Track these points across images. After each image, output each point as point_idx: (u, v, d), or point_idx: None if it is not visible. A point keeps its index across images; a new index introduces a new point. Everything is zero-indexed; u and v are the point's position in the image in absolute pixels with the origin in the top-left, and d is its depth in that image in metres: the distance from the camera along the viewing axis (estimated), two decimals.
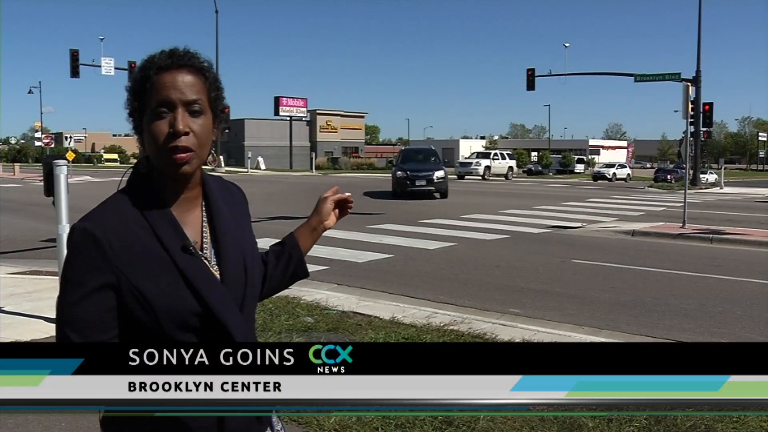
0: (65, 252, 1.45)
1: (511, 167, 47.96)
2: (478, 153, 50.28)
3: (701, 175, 39.97)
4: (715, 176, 43.89)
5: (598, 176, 51.05)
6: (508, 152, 50.75)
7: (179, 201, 1.48)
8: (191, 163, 1.42)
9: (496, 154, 47.81)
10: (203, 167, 1.52)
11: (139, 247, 1.40)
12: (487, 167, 44.33)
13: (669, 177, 44.77)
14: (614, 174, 50.79)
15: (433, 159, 25.97)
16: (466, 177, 43.21)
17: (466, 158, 48.90)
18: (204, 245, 1.49)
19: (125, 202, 1.45)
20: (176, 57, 1.44)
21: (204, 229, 1.51)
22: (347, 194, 1.84)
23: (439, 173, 23.90)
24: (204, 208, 1.53)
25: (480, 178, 43.15)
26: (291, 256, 1.76)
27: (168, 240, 1.42)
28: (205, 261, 1.46)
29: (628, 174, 53.16)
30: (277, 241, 1.81)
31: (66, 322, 1.39)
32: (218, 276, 1.47)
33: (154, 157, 1.43)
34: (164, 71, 1.42)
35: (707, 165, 60.75)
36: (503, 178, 45.21)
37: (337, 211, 1.84)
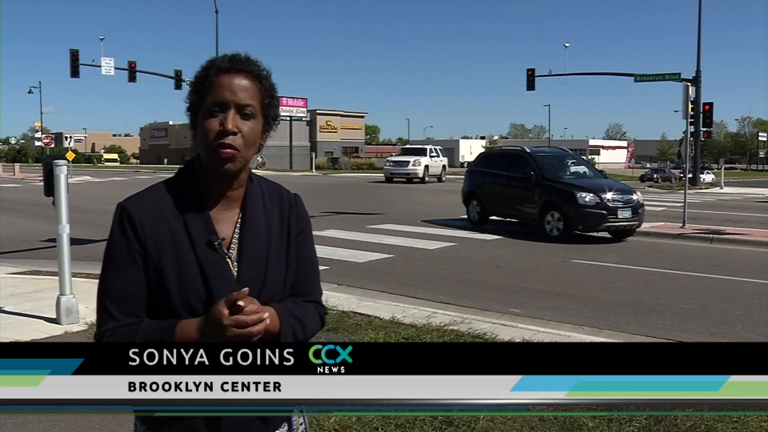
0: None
1: (444, 166, 38.81)
2: (411, 149, 40.17)
3: (699, 175, 39.85)
4: (712, 176, 43.87)
5: None
6: (439, 148, 40.27)
7: (220, 198, 1.57)
8: (235, 161, 1.50)
9: (432, 151, 38.08)
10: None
11: (166, 232, 1.50)
12: (427, 167, 35.79)
13: (655, 176, 44.37)
14: None
15: (589, 170, 15.20)
16: (396, 180, 35.26)
17: (397, 156, 38.73)
18: (232, 243, 1.56)
19: (167, 190, 1.56)
20: (236, 61, 1.54)
21: (236, 229, 1.57)
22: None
23: (640, 196, 13.92)
24: (241, 209, 1.59)
25: (419, 180, 34.97)
26: None
27: (195, 232, 1.51)
28: (228, 258, 1.53)
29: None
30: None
31: (105, 293, 1.50)
32: (235, 274, 1.53)
33: (203, 151, 1.52)
34: (223, 73, 1.52)
35: (706, 165, 60.59)
36: (436, 180, 36.76)
37: None
